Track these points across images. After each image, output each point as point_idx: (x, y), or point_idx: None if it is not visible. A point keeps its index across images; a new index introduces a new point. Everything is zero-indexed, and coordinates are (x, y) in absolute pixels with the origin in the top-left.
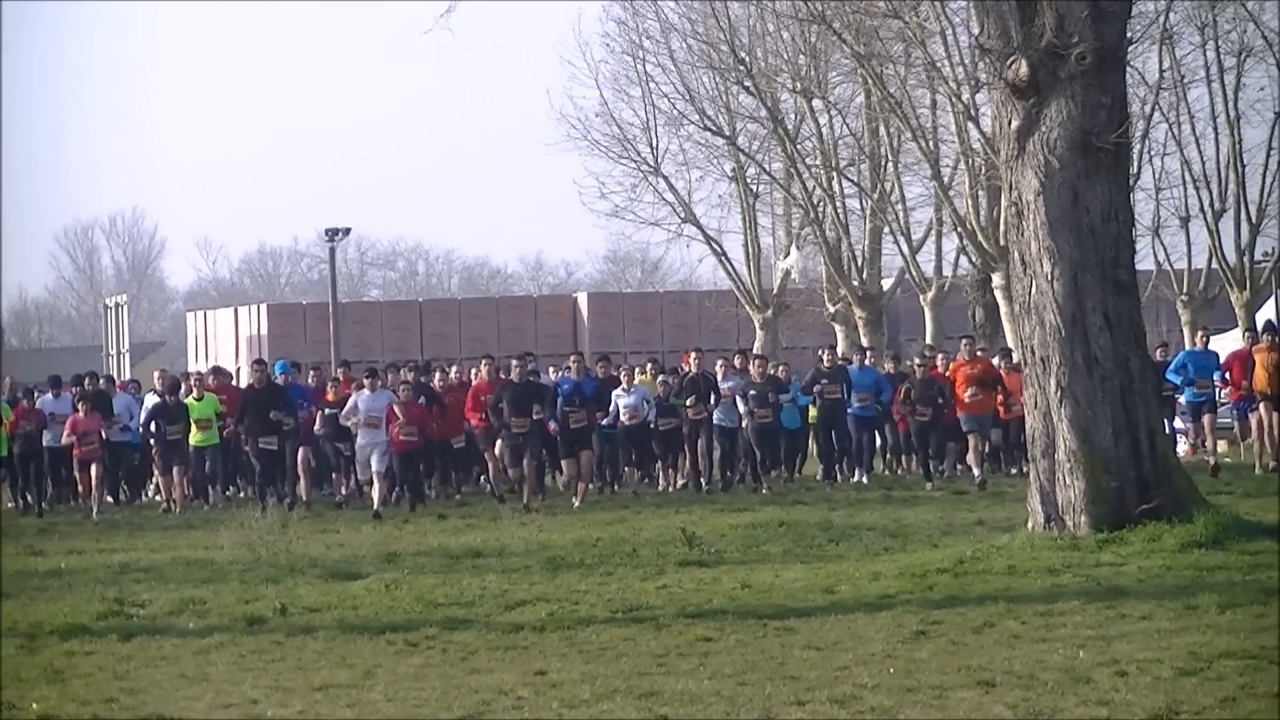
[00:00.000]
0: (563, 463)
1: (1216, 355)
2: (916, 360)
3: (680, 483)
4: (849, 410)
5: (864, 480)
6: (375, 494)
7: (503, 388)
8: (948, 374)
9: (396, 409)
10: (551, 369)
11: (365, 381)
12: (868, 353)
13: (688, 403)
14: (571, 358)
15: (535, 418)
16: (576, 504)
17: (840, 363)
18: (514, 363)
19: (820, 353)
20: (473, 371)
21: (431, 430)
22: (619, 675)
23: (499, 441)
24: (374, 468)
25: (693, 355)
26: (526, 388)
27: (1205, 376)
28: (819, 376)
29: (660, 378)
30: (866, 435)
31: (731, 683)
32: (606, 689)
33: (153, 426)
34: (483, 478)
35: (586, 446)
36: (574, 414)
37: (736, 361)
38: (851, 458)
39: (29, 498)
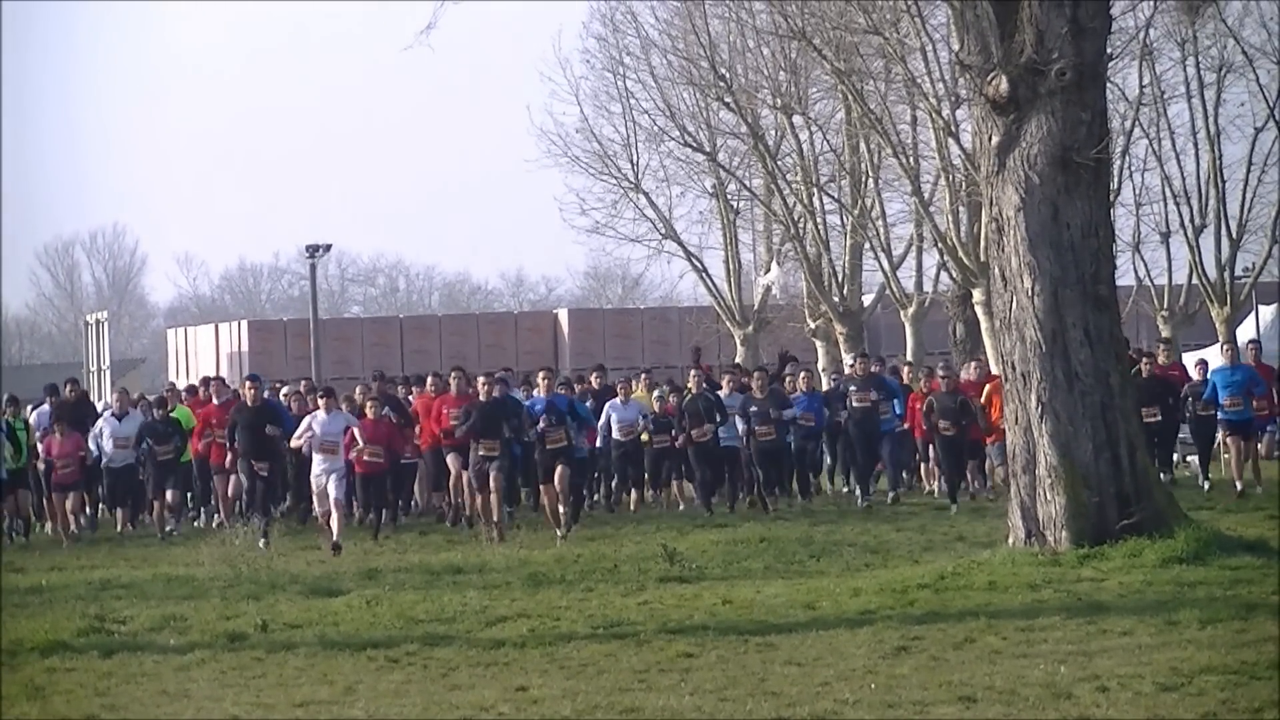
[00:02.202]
0: (541, 488)
1: (1250, 370)
2: (940, 372)
3: (676, 503)
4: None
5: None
6: (334, 524)
7: (469, 406)
8: (982, 397)
9: (357, 432)
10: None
11: (320, 401)
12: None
13: (689, 428)
14: (540, 374)
15: (507, 436)
16: (560, 534)
17: (875, 371)
18: (480, 379)
19: (854, 359)
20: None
21: (399, 448)
22: (600, 691)
23: (457, 461)
24: (331, 495)
25: (693, 374)
26: (495, 406)
27: (1235, 394)
28: (849, 383)
29: (656, 392)
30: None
31: (712, 699)
32: (587, 705)
33: (143, 445)
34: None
35: (565, 467)
36: (550, 434)
37: (726, 379)
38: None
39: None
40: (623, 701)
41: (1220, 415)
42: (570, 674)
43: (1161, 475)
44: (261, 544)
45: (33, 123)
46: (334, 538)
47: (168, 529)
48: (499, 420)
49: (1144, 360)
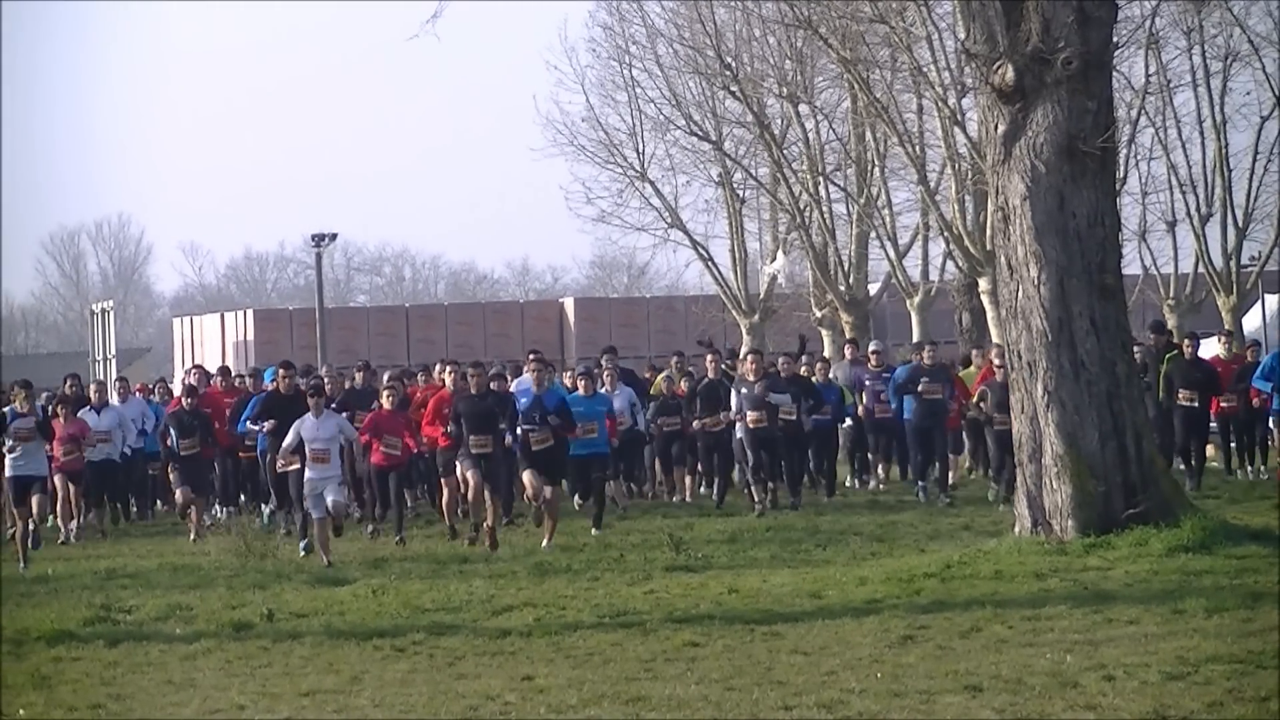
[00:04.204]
0: (527, 489)
1: None
2: (995, 361)
3: (687, 495)
4: (906, 416)
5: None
6: (321, 539)
7: (459, 400)
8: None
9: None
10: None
11: (310, 402)
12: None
13: (701, 415)
14: (529, 364)
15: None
16: (546, 544)
17: (943, 361)
18: (470, 370)
19: (923, 349)
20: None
21: (413, 442)
22: (606, 680)
23: (458, 464)
24: (329, 499)
25: (709, 358)
26: (488, 399)
27: None
28: (919, 374)
29: (665, 373)
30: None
31: (718, 688)
32: (593, 694)
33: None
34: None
35: (553, 476)
36: (535, 434)
37: (750, 363)
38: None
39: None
40: (629, 690)
41: (1277, 404)
42: (576, 663)
43: (1197, 462)
44: (303, 546)
45: (39, 112)
46: (325, 558)
47: (193, 534)
48: (492, 414)
49: (1185, 342)
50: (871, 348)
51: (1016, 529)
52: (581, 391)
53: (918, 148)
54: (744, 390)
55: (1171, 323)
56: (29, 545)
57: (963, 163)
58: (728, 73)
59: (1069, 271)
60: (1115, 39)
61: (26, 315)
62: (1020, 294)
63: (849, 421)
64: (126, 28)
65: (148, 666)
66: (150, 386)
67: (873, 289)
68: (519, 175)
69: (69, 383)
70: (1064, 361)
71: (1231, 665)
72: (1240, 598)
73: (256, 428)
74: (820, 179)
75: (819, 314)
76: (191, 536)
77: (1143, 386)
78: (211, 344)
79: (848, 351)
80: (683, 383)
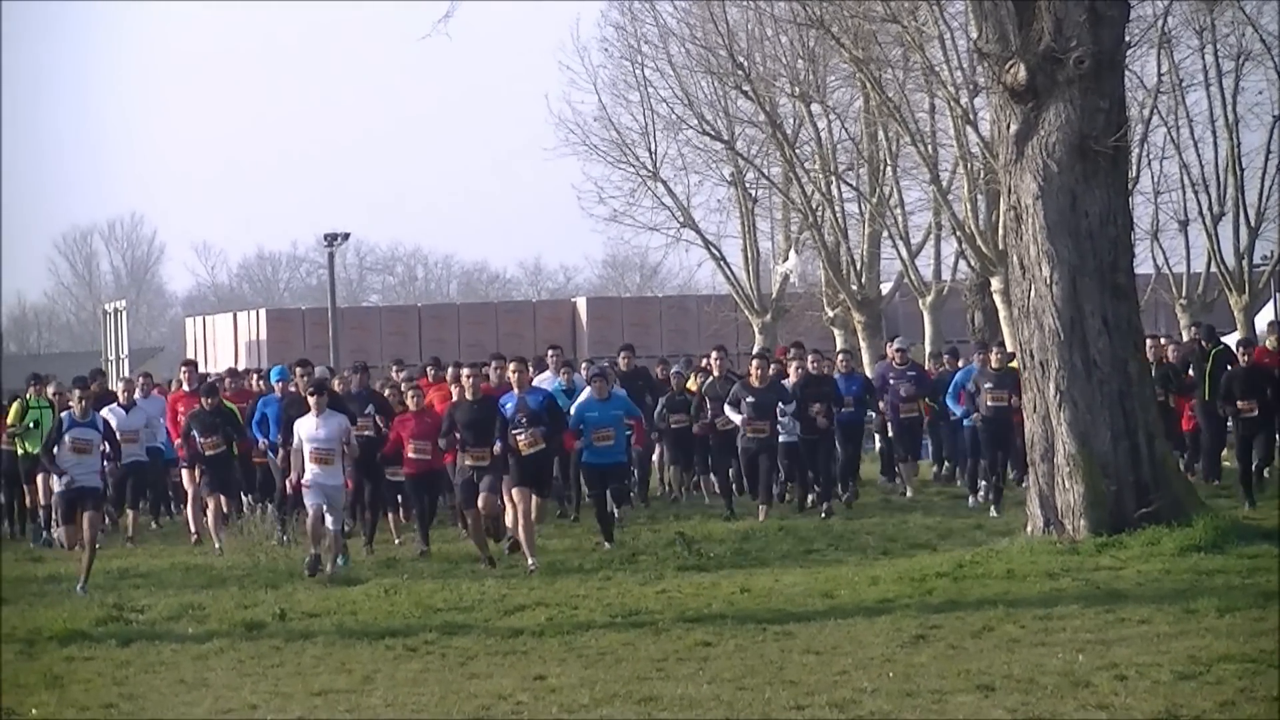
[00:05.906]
0: (510, 497)
1: None
2: None
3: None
4: (965, 421)
5: (980, 499)
6: (326, 554)
7: (454, 408)
8: None
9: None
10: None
11: (310, 400)
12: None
13: (711, 416)
14: (512, 365)
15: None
16: (531, 564)
17: (1011, 366)
18: (465, 373)
19: (990, 352)
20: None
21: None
22: (618, 680)
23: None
24: (328, 523)
25: (714, 355)
26: (483, 406)
27: None
28: (983, 381)
29: (674, 369)
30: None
31: (730, 687)
32: (605, 694)
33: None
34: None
35: (540, 481)
36: (523, 437)
37: (754, 368)
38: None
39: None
40: (641, 690)
41: None
42: (588, 662)
43: (1257, 475)
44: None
45: (50, 111)
46: (327, 568)
47: (217, 544)
48: (489, 423)
49: (1239, 348)
50: (895, 345)
51: (1028, 528)
52: (595, 395)
53: (930, 147)
54: (746, 397)
55: (1183, 322)
56: (38, 541)
57: (975, 162)
58: (740, 72)
59: (1081, 271)
60: (1127, 38)
61: (39, 315)
62: (1032, 293)
63: (873, 416)
64: (138, 26)
65: (160, 666)
66: (168, 386)
67: (885, 288)
68: (531, 174)
69: (94, 380)
70: (1076, 361)
71: (1244, 664)
72: (1252, 597)
73: (271, 444)
74: (832, 178)
75: (831, 313)
76: (217, 545)
77: (1154, 386)
78: (224, 344)
79: (887, 351)
80: (695, 379)
